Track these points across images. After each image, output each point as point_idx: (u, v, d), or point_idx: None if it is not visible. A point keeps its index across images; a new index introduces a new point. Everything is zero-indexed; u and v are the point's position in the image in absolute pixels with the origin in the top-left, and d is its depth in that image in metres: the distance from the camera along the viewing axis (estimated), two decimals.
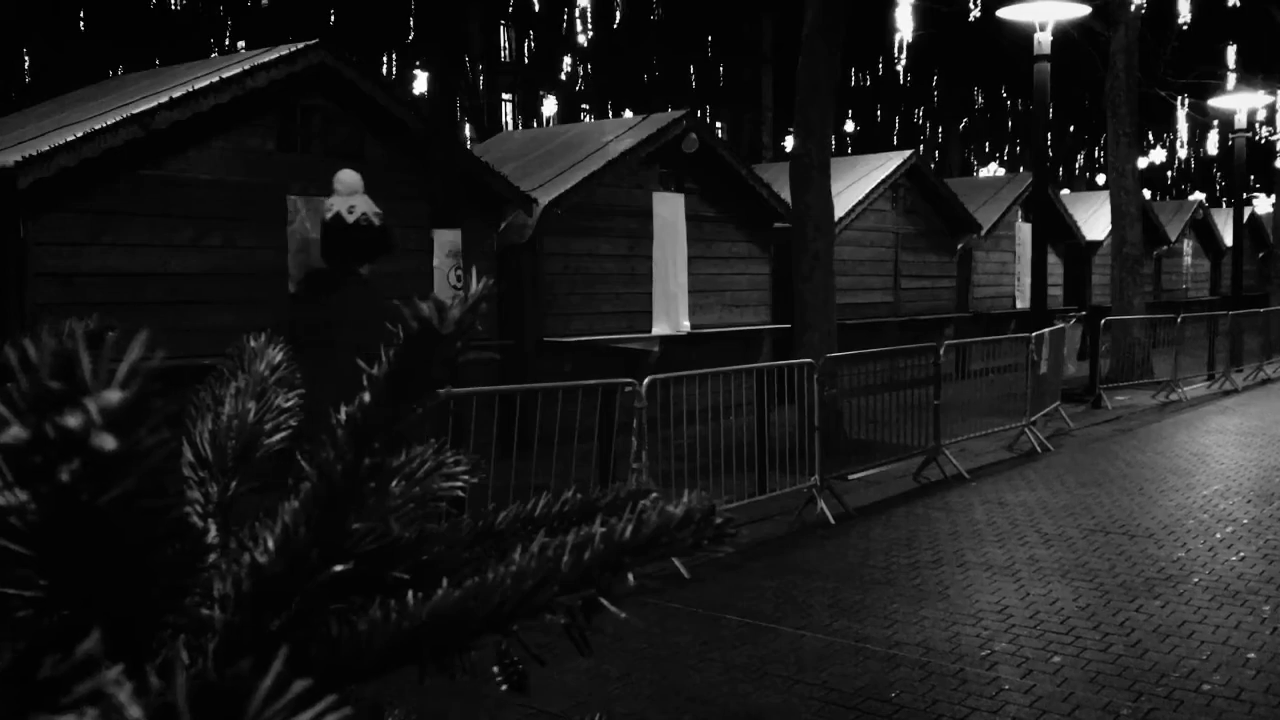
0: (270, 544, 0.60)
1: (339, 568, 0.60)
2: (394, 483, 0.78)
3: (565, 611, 0.69)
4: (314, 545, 0.59)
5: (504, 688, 2.40)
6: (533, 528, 0.92)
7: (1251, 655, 4.99)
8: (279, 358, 1.06)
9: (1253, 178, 36.70)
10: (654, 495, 0.93)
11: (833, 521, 7.75)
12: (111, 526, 0.37)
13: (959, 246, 18.32)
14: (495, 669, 2.38)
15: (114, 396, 0.32)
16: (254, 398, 1.01)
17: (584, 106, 35.07)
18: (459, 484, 0.90)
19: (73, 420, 0.32)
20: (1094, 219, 22.73)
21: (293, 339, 3.07)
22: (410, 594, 0.66)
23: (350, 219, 3.56)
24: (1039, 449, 10.72)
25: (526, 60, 34.67)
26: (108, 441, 0.32)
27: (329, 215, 3.57)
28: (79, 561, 0.39)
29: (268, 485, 0.99)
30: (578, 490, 0.97)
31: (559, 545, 0.69)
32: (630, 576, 0.78)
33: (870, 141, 38.14)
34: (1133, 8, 15.98)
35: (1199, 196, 37.11)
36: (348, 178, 3.67)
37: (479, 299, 0.59)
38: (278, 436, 1.01)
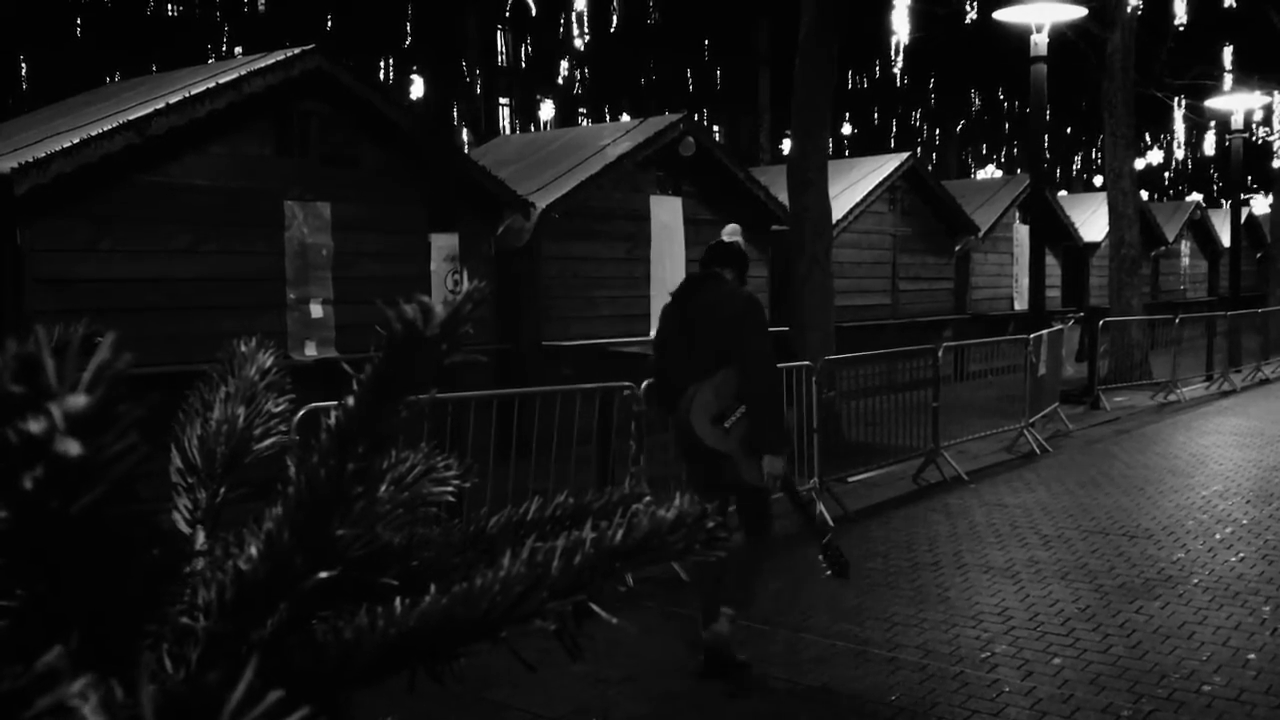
0: (254, 551, 0.59)
1: (324, 574, 0.60)
2: (382, 487, 0.77)
3: (555, 617, 0.68)
4: (298, 551, 0.58)
5: (828, 573, 4.05)
6: (524, 532, 0.91)
7: (1252, 656, 4.98)
8: (269, 362, 1.05)
9: (1250, 178, 36.72)
10: (646, 499, 0.93)
11: (832, 524, 7.74)
12: (83, 534, 0.36)
13: (957, 248, 18.32)
14: (821, 558, 3.23)
15: (78, 401, 0.31)
16: (244, 403, 1.00)
17: (581, 110, 35.07)
18: (449, 489, 0.89)
19: (35, 426, 0.31)
20: (1091, 220, 22.74)
21: (673, 322, 4.96)
22: (398, 601, 0.65)
23: (727, 240, 5.30)
24: (1038, 450, 10.71)
25: (523, 64, 34.67)
26: (72, 447, 0.31)
27: (713, 241, 5.37)
28: (52, 570, 0.38)
29: (260, 490, 0.98)
30: (570, 494, 0.96)
31: (549, 550, 0.69)
32: (630, 579, 0.77)
33: (867, 144, 38.13)
34: (1129, 9, 15.99)
35: (1196, 197, 37.12)
36: (732, 229, 5.56)
37: (463, 301, 0.58)
38: (268, 442, 1.00)
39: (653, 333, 13.46)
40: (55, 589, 0.41)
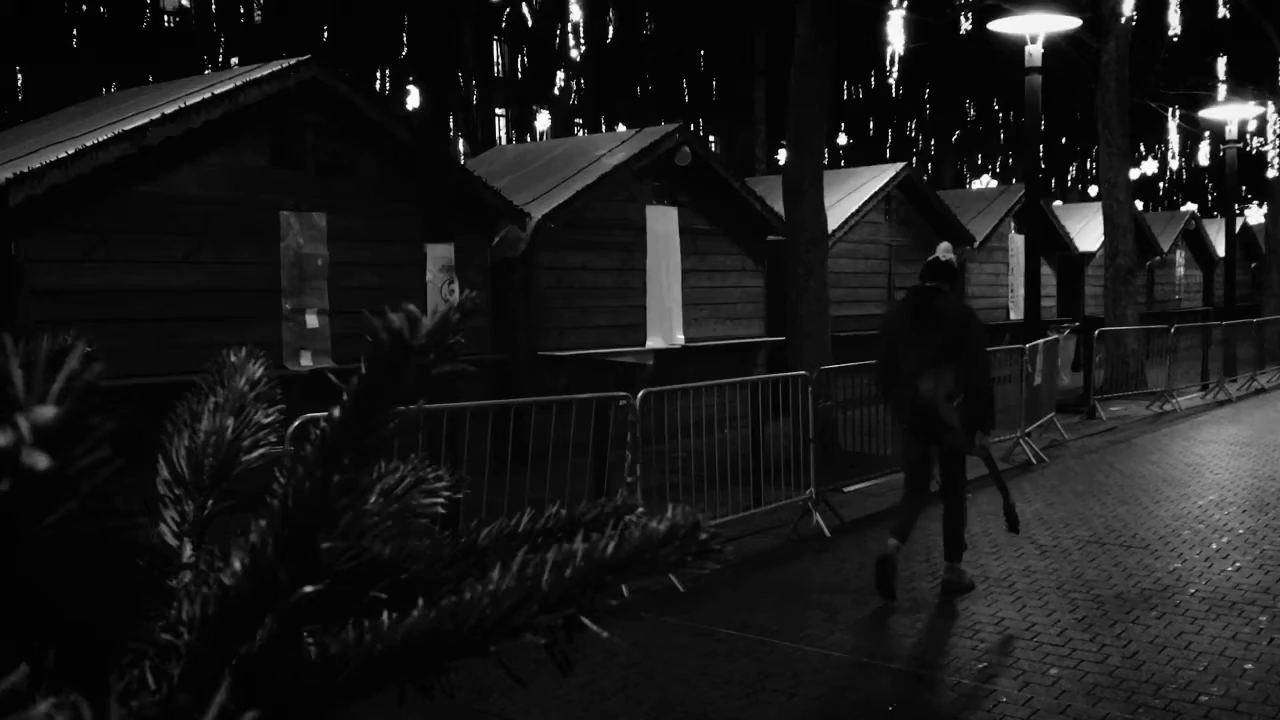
0: (239, 565, 0.58)
1: (310, 588, 0.59)
2: (371, 499, 0.76)
3: (545, 631, 0.67)
4: (282, 565, 0.57)
5: (1007, 529, 6.72)
6: (516, 544, 0.90)
7: (1248, 666, 4.97)
8: (259, 372, 1.04)
9: (1244, 188, 36.81)
10: (639, 511, 0.92)
11: (828, 534, 7.73)
12: (57, 549, 0.35)
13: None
14: (1004, 515, 5.29)
15: (46, 413, 0.30)
16: (233, 414, 0.99)
17: (577, 121, 35.11)
18: (439, 500, 0.88)
19: (1, 439, 0.30)
20: (1086, 230, 22.79)
21: (911, 327, 6.27)
22: (386, 614, 0.64)
23: (943, 259, 6.45)
24: (1034, 460, 10.70)
25: (520, 74, 34.72)
26: (40, 460, 0.30)
27: (930, 257, 6.51)
28: (26, 585, 0.38)
29: (249, 502, 0.96)
30: (563, 506, 0.95)
31: (539, 563, 0.68)
32: (625, 590, 0.76)
33: (863, 154, 38.21)
34: (1123, 20, 16.04)
35: (1191, 207, 37.23)
36: (945, 246, 6.89)
37: (450, 311, 0.57)
38: (257, 453, 0.99)
39: (649, 343, 13.54)
40: (30, 605, 0.40)
